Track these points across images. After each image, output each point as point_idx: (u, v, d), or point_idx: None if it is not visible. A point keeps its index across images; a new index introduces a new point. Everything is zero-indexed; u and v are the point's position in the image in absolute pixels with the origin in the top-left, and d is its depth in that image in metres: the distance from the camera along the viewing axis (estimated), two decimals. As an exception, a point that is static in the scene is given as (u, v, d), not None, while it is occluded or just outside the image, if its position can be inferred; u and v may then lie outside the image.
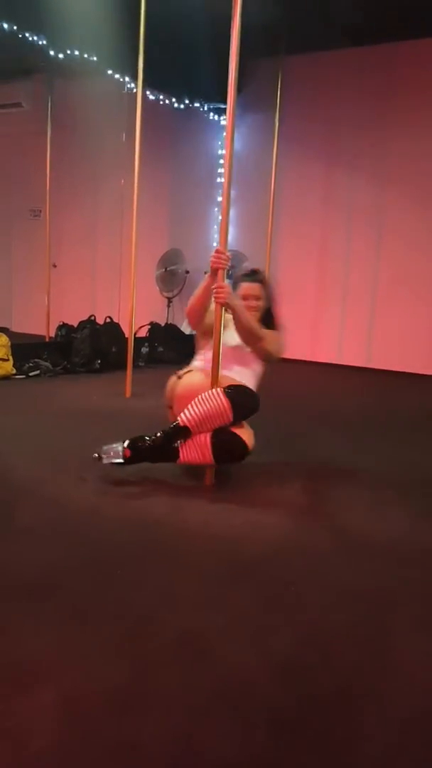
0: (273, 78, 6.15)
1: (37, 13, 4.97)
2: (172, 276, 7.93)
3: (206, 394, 2.73)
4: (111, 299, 7.41)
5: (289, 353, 7.42)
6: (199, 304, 2.97)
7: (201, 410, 2.69)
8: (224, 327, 2.85)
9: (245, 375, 3.01)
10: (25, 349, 5.79)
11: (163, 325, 7.35)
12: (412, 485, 2.99)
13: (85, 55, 5.73)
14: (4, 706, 1.31)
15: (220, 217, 2.96)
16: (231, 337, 2.99)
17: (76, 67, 5.94)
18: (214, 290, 2.79)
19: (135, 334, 5.45)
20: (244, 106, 7.16)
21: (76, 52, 5.67)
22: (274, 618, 1.71)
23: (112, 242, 7.81)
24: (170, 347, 6.89)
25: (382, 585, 1.94)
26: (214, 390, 2.73)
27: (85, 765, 1.17)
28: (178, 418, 2.72)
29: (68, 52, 5.65)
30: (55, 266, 7.50)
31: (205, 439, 2.69)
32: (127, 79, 6.43)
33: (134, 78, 4.69)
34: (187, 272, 7.88)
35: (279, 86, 6.09)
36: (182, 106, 7.33)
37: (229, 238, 7.52)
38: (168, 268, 7.91)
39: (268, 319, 3.25)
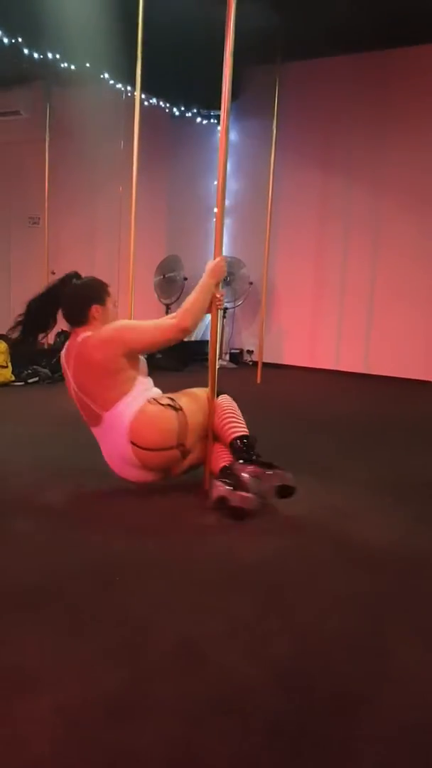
0: (269, 85, 6.17)
1: (35, 21, 4.99)
2: (170, 283, 7.94)
3: (227, 402, 2.73)
4: (109, 306, 7.40)
5: (288, 359, 7.47)
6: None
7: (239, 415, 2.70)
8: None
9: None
10: (23, 356, 5.78)
11: (161, 331, 7.35)
12: (409, 490, 2.98)
13: (83, 63, 5.75)
14: (1, 713, 1.30)
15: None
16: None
17: (74, 75, 5.96)
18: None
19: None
20: (240, 113, 7.19)
21: (74, 60, 5.69)
22: (271, 624, 1.70)
23: (111, 249, 7.83)
24: (168, 354, 6.86)
25: (379, 591, 1.94)
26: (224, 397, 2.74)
27: (81, 773, 1.16)
28: (239, 432, 2.63)
29: (66, 60, 5.68)
30: (53, 273, 7.50)
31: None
32: (124, 86, 6.45)
33: (132, 85, 4.71)
34: (185, 279, 7.88)
35: (276, 93, 6.11)
36: (179, 112, 7.36)
37: (227, 245, 7.54)
38: (166, 275, 7.92)
39: None
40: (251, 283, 7.44)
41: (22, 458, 3.21)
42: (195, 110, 7.43)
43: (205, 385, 2.76)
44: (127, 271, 4.85)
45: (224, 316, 7.50)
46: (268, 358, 6.67)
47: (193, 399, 2.71)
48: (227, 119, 2.82)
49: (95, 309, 2.66)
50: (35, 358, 5.93)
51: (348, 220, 7.13)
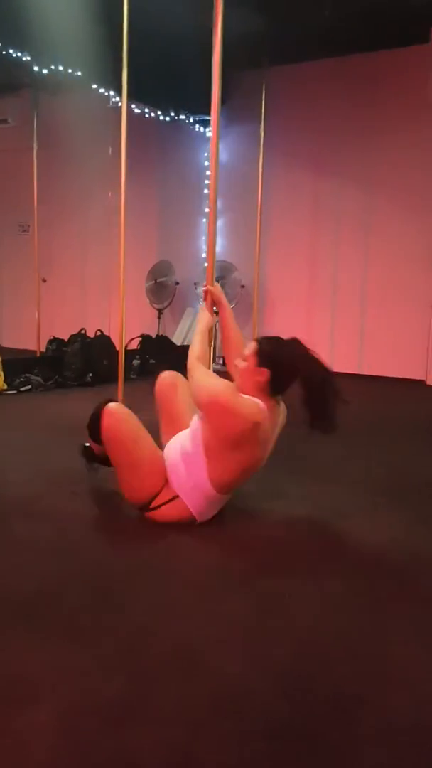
0: (257, 89, 6.19)
1: (21, 28, 4.99)
2: (162, 288, 7.94)
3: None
4: (101, 312, 7.40)
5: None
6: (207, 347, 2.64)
7: None
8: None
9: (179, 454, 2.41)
10: (15, 364, 5.77)
11: (154, 337, 7.35)
12: (407, 491, 2.99)
13: (70, 70, 5.76)
14: (1, 722, 1.29)
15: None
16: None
17: (62, 82, 5.96)
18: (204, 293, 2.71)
19: (126, 346, 5.44)
20: (229, 118, 7.20)
21: (61, 67, 5.69)
22: (268, 628, 1.70)
23: (102, 255, 7.82)
24: (162, 359, 6.88)
25: (376, 592, 1.94)
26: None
27: (82, 782, 1.16)
28: None
29: (53, 67, 5.68)
30: (44, 281, 7.49)
31: None
32: (112, 93, 6.46)
33: (119, 92, 4.71)
34: (177, 284, 7.88)
35: (263, 97, 6.13)
36: (168, 118, 7.36)
37: (218, 248, 7.52)
38: (158, 280, 7.92)
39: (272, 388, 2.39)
40: (243, 287, 7.45)
41: (17, 465, 3.20)
42: (183, 116, 7.45)
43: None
44: (118, 277, 4.84)
45: (217, 321, 7.50)
46: (261, 362, 6.66)
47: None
48: (218, 124, 2.83)
49: None
50: (28, 366, 5.92)
51: (339, 221, 7.15)
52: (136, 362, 6.73)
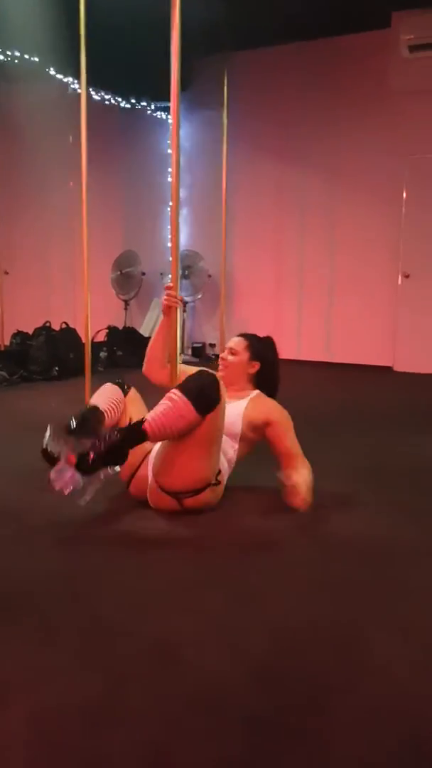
0: (219, 75, 6.12)
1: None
2: (127, 279, 7.86)
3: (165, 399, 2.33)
4: (66, 304, 7.30)
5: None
6: (153, 351, 2.72)
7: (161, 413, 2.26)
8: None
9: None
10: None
11: (121, 328, 7.28)
12: (381, 478, 3.00)
13: (26, 56, 5.63)
14: (-31, 732, 1.25)
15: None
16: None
17: (18, 69, 5.82)
18: (165, 292, 2.69)
19: (92, 339, 5.37)
20: (190, 104, 7.13)
21: (17, 53, 5.56)
22: (245, 620, 1.68)
23: (65, 246, 7.70)
24: (129, 351, 6.82)
25: (353, 581, 1.93)
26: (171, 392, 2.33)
27: (56, 787, 1.13)
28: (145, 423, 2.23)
29: (8, 53, 5.54)
30: (6, 273, 7.35)
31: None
32: (71, 79, 6.34)
33: (78, 78, 4.62)
34: (143, 274, 7.81)
35: (225, 83, 6.07)
36: (129, 105, 7.27)
37: (184, 237, 7.50)
38: (123, 271, 7.84)
39: (260, 382, 2.72)
40: (210, 276, 7.41)
41: (-17, 464, 3.13)
42: (144, 103, 7.35)
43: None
44: (82, 269, 4.76)
45: (184, 310, 7.46)
46: (229, 351, 6.64)
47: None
48: (178, 110, 2.78)
49: None
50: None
51: (304, 208, 7.15)
52: (103, 354, 6.65)
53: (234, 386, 2.61)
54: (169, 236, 2.92)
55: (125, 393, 2.64)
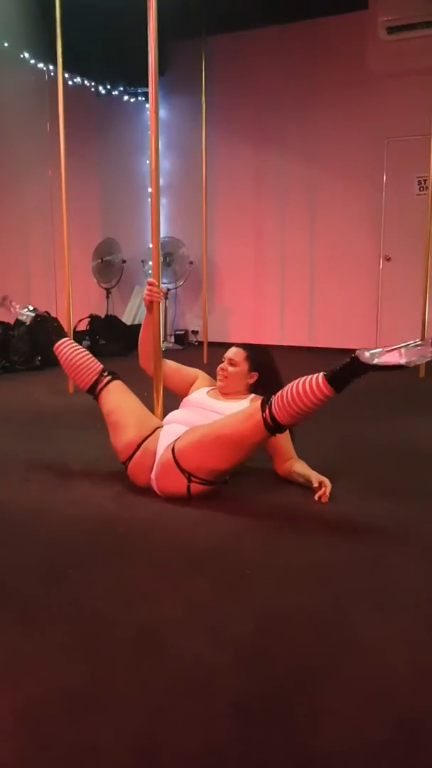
0: (196, 59, 6.07)
1: None
2: (108, 267, 7.81)
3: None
4: (47, 294, 7.25)
5: (234, 337, 7.46)
6: (145, 346, 2.85)
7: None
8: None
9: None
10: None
11: (103, 317, 7.24)
12: (359, 461, 3.02)
13: (0, 43, 5.54)
14: None
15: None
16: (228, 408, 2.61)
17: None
18: (147, 287, 2.75)
19: (74, 328, 5.34)
20: (168, 89, 7.07)
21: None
22: (230, 605, 1.69)
23: (44, 235, 7.62)
24: (112, 339, 6.79)
25: (335, 562, 1.95)
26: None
27: (44, 776, 1.13)
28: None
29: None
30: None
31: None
32: (46, 66, 6.25)
33: (54, 64, 4.56)
34: (124, 262, 7.77)
35: (203, 67, 6.02)
36: (106, 91, 7.19)
37: (164, 224, 7.42)
38: (104, 259, 7.79)
39: (257, 390, 2.76)
40: (191, 263, 7.39)
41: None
42: (122, 88, 7.28)
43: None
44: (62, 257, 4.73)
45: (166, 298, 7.43)
46: (213, 338, 6.65)
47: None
48: (156, 95, 2.76)
49: None
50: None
51: (284, 193, 7.14)
52: (86, 343, 6.61)
53: (230, 395, 2.73)
54: (149, 223, 2.91)
55: (102, 377, 2.73)
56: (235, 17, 6.35)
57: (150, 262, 2.88)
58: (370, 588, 1.79)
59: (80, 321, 6.64)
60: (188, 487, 2.40)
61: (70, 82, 6.57)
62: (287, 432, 2.65)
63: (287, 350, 6.92)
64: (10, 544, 2.08)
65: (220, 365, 2.77)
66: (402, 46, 6.12)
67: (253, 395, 2.75)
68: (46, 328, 3.06)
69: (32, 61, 6.13)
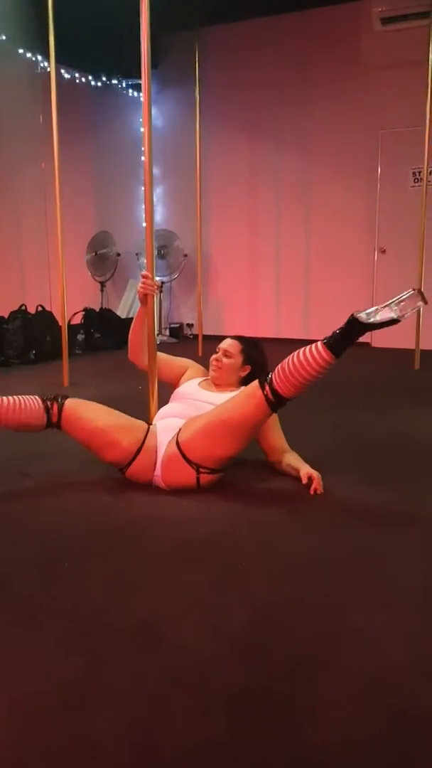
0: (190, 51, 6.04)
1: None
2: (102, 260, 7.79)
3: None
4: (41, 287, 7.22)
5: (229, 330, 7.45)
6: (135, 338, 2.80)
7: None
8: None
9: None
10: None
11: (98, 310, 7.22)
12: (353, 452, 3.03)
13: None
14: None
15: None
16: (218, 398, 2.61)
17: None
18: (141, 280, 2.73)
19: (69, 321, 5.34)
20: (162, 82, 7.04)
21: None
22: (226, 597, 1.70)
23: (38, 228, 7.59)
24: (107, 333, 6.78)
25: (332, 553, 1.96)
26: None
27: (43, 767, 1.14)
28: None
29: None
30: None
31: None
32: (39, 57, 6.22)
33: (47, 56, 4.53)
34: (119, 255, 7.75)
35: (197, 59, 5.99)
36: (99, 83, 7.15)
37: (158, 217, 7.41)
38: (98, 252, 7.77)
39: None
40: (186, 255, 7.37)
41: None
42: (115, 80, 7.24)
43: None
44: (56, 251, 4.71)
45: (161, 291, 7.42)
46: (208, 330, 6.65)
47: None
48: (149, 87, 2.75)
49: None
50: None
51: (279, 185, 7.12)
52: (80, 337, 6.61)
53: (223, 387, 2.73)
54: (144, 216, 2.90)
55: (50, 407, 2.52)
56: (229, 8, 6.32)
57: (144, 255, 2.87)
58: (366, 579, 1.80)
59: (75, 314, 6.63)
60: (197, 479, 2.40)
61: (63, 75, 6.53)
62: (278, 426, 2.67)
63: (283, 343, 6.90)
64: (8, 539, 2.08)
65: (214, 356, 2.77)
66: (396, 37, 6.11)
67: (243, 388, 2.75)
68: None
69: (25, 54, 6.08)
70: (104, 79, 7.11)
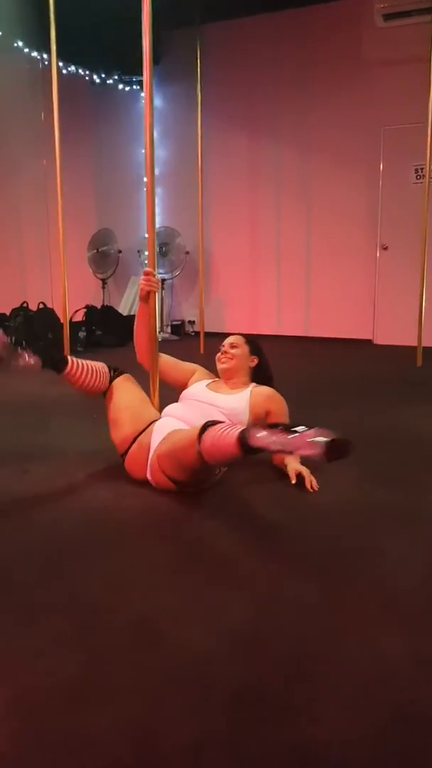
0: (191, 48, 6.03)
1: None
2: (104, 257, 7.78)
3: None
4: (43, 284, 7.22)
5: (230, 327, 7.45)
6: (141, 339, 2.82)
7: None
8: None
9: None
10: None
11: (99, 307, 7.22)
12: (356, 447, 3.02)
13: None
14: None
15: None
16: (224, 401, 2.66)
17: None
18: (143, 276, 2.73)
19: (71, 318, 5.34)
20: (163, 78, 7.03)
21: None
22: (225, 594, 1.70)
23: (40, 226, 7.59)
24: (108, 330, 6.78)
25: (330, 551, 1.96)
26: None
27: (43, 764, 1.14)
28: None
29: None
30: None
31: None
32: (40, 54, 6.21)
33: (48, 53, 4.52)
34: (120, 252, 7.74)
35: (198, 56, 5.97)
36: (100, 80, 7.14)
37: (160, 214, 7.41)
38: (99, 249, 7.76)
39: (256, 377, 2.87)
40: (187, 253, 7.36)
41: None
42: (116, 77, 7.23)
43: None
44: (58, 248, 4.71)
45: (163, 288, 7.41)
46: (209, 328, 6.64)
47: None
48: (151, 84, 2.74)
49: None
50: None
51: (280, 182, 7.11)
52: (82, 334, 6.60)
53: (234, 379, 2.78)
54: (145, 213, 2.90)
55: (112, 378, 2.67)
56: (229, 5, 6.30)
57: (146, 252, 2.87)
58: (366, 576, 1.80)
59: (76, 312, 6.63)
60: (176, 486, 2.40)
61: (64, 71, 6.52)
62: (285, 419, 2.66)
63: (284, 340, 6.92)
64: (7, 535, 2.09)
65: (220, 353, 2.82)
66: (398, 33, 6.08)
67: (253, 385, 2.77)
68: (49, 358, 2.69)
69: (26, 50, 6.08)
70: (105, 75, 7.10)
